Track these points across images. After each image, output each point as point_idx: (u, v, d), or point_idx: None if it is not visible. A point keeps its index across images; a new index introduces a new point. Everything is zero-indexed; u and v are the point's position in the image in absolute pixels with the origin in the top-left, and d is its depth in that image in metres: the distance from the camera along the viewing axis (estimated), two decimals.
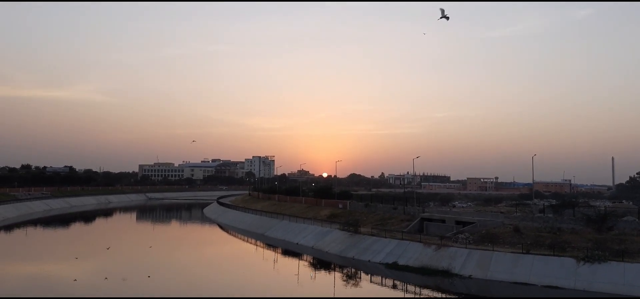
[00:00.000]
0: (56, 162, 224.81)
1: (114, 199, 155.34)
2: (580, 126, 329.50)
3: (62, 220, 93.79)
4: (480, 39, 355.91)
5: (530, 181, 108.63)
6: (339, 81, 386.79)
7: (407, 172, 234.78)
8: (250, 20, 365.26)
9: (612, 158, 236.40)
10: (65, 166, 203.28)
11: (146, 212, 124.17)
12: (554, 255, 38.31)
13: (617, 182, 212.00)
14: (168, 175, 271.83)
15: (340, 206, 76.04)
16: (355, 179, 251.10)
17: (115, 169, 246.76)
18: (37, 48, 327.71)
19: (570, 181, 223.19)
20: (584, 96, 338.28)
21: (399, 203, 69.47)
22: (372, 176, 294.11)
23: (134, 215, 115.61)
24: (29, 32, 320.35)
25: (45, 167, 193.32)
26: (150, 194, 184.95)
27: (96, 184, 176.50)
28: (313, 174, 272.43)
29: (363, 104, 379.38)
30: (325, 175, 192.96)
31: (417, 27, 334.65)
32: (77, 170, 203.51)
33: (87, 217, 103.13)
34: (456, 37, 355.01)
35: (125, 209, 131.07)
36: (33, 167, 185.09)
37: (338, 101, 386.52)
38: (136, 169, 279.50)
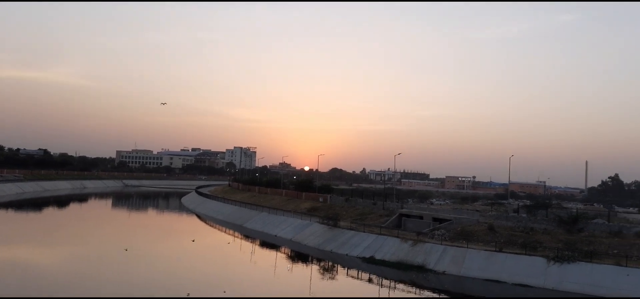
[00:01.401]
0: (30, 144, 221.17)
1: (90, 185, 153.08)
2: (557, 129, 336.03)
3: (35, 204, 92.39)
4: (464, 41, 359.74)
5: (507, 181, 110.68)
6: (324, 75, 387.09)
7: (388, 169, 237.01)
8: (235, 10, 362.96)
9: (586, 162, 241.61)
10: (40, 149, 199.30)
11: (122, 200, 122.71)
12: (525, 254, 39.40)
13: (589, 185, 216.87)
14: (146, 162, 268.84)
15: (320, 199, 76.58)
16: (336, 174, 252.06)
17: (91, 154, 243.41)
18: (16, 28, 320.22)
19: (544, 182, 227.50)
20: (560, 101, 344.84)
21: (378, 199, 70.34)
22: (353, 171, 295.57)
23: (109, 202, 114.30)
24: (8, 11, 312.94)
25: (18, 150, 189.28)
26: (127, 181, 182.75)
27: (71, 168, 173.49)
28: (295, 167, 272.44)
29: (347, 100, 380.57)
30: (306, 168, 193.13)
31: (403, 26, 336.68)
32: (51, 153, 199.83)
33: (61, 202, 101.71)
34: (441, 37, 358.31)
35: (101, 195, 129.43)
36: (6, 149, 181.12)
37: (322, 95, 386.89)
38: (113, 155, 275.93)
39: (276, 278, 39.51)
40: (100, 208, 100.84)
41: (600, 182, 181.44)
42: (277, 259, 48.40)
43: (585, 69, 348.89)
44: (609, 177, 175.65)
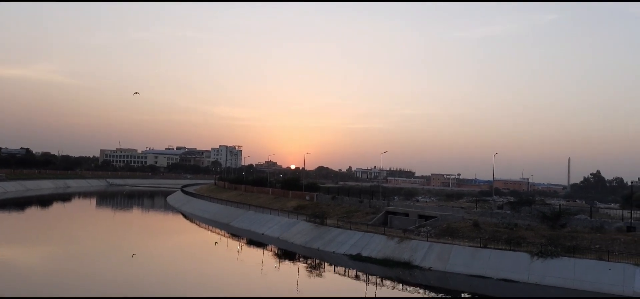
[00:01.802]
0: (12, 143, 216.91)
1: (73, 184, 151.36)
2: (540, 127, 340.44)
3: (17, 204, 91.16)
4: (449, 40, 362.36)
5: (491, 179, 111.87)
6: (309, 74, 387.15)
7: (374, 167, 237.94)
8: (220, 9, 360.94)
9: (569, 159, 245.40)
10: (22, 148, 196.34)
11: (106, 199, 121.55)
12: (509, 250, 39.97)
13: (572, 182, 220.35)
14: (130, 161, 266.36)
15: (307, 198, 76.70)
16: (323, 172, 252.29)
17: (75, 153, 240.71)
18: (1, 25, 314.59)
19: (528, 179, 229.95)
20: (543, 99, 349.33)
21: (365, 196, 70.69)
22: (339, 170, 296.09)
23: (93, 201, 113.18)
24: None
25: (0, 149, 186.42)
26: (111, 180, 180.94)
27: (54, 167, 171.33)
28: (281, 166, 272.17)
29: (333, 98, 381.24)
30: (293, 167, 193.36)
31: (387, 25, 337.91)
32: (34, 153, 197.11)
33: (44, 201, 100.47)
34: (426, 37, 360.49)
35: (85, 194, 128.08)
36: None
37: (308, 93, 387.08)
38: (97, 154, 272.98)
39: (263, 276, 39.58)
40: (84, 208, 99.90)
41: (582, 179, 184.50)
42: (264, 258, 48.46)
43: (567, 67, 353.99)
44: (590, 174, 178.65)
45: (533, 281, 36.42)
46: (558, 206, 58.71)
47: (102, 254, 44.85)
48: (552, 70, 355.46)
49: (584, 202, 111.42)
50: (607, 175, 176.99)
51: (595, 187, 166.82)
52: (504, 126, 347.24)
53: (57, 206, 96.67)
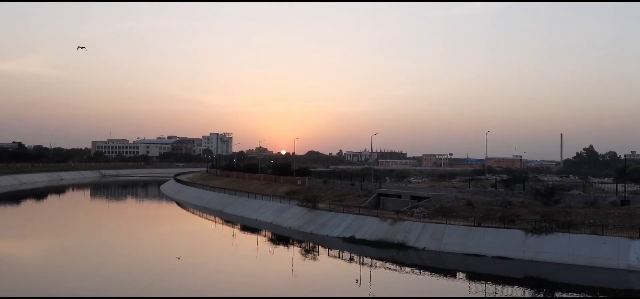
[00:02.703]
0: (4, 137, 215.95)
1: (67, 176, 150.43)
2: (531, 103, 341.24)
3: (12, 197, 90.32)
4: (437, 18, 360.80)
5: (483, 157, 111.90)
6: (297, 58, 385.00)
7: (365, 149, 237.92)
8: None
9: (561, 135, 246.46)
10: (14, 142, 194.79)
11: (101, 190, 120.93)
12: (504, 227, 39.79)
13: (565, 158, 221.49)
14: (123, 152, 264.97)
15: (298, 182, 76.32)
16: (313, 157, 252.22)
17: (67, 145, 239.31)
18: None
19: (521, 156, 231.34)
20: (535, 75, 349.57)
21: (356, 179, 70.39)
22: (330, 153, 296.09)
23: (88, 192, 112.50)
24: None
25: None
26: (104, 171, 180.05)
27: (47, 160, 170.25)
28: (271, 152, 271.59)
29: (321, 82, 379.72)
30: (283, 152, 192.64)
31: (373, 5, 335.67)
32: (26, 146, 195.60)
33: (39, 194, 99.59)
34: (414, 16, 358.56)
35: (79, 186, 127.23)
36: None
37: (297, 78, 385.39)
38: (89, 146, 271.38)
39: (259, 261, 39.25)
40: (80, 199, 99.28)
41: (575, 154, 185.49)
42: (258, 242, 48.20)
43: (557, 42, 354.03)
44: (583, 149, 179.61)
45: (528, 258, 36.29)
46: (551, 182, 58.68)
47: (108, 246, 44.37)
48: (542, 46, 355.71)
49: (577, 177, 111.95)
50: (600, 149, 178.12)
51: (589, 162, 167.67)
52: (495, 103, 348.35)
53: (53, 199, 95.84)
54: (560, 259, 35.42)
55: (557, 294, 30.41)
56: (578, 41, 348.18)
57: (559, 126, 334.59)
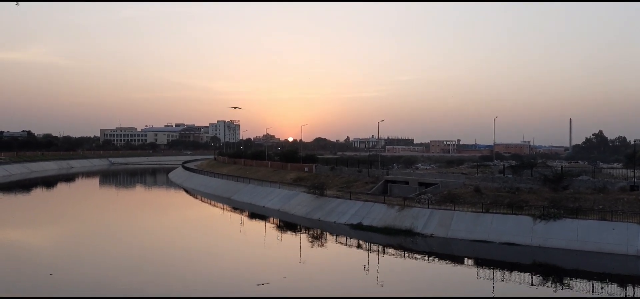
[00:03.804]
0: (13, 126, 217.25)
1: (76, 164, 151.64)
2: (540, 88, 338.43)
3: (23, 186, 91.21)
4: (445, 3, 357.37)
5: (491, 143, 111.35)
6: (304, 44, 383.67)
7: (372, 136, 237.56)
8: None
9: (570, 120, 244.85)
10: (23, 131, 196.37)
11: (110, 177, 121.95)
12: (512, 214, 39.69)
13: (574, 143, 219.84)
14: (131, 140, 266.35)
15: (306, 169, 76.36)
16: (320, 143, 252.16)
17: (75, 133, 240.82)
18: None
19: (529, 142, 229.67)
20: (543, 59, 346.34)
21: (363, 166, 70.23)
22: (337, 140, 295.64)
23: (97, 180, 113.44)
24: None
25: (2, 132, 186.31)
26: (113, 159, 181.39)
27: (56, 149, 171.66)
28: (278, 139, 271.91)
29: (328, 68, 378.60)
30: (290, 139, 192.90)
31: None
32: (35, 135, 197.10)
33: (49, 182, 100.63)
34: (422, 1, 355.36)
35: (89, 174, 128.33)
36: None
37: (303, 65, 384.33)
38: (98, 134, 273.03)
39: (267, 248, 39.43)
40: (90, 186, 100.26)
41: (584, 140, 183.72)
42: (266, 229, 48.45)
43: (568, 26, 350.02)
44: (593, 134, 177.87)
45: (536, 244, 36.20)
46: (560, 168, 58.31)
47: (118, 232, 44.78)
48: (551, 30, 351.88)
49: (586, 163, 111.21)
50: (610, 135, 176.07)
51: (598, 147, 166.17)
52: (504, 89, 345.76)
53: (63, 186, 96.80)
54: (568, 245, 35.31)
55: (566, 280, 30.31)
56: (588, 25, 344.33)
57: (568, 111, 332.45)
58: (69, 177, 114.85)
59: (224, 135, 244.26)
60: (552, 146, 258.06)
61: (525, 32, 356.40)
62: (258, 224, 52.34)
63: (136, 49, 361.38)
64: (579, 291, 28.29)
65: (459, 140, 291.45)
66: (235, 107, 66.61)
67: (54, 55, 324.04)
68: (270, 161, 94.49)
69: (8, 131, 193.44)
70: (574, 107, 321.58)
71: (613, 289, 28.45)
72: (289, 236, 46.35)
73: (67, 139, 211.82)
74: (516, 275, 31.39)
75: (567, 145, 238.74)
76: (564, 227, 36.53)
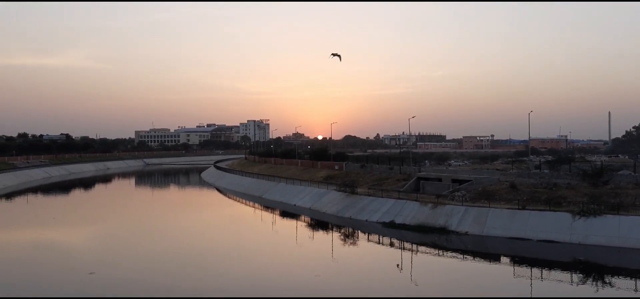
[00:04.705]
0: (52, 130, 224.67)
1: (112, 166, 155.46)
2: (577, 81, 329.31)
3: (63, 187, 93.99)
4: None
5: (527, 138, 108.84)
6: (333, 42, 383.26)
7: (403, 133, 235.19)
8: None
9: (609, 113, 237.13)
10: (62, 134, 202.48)
11: (145, 178, 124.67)
12: (549, 210, 38.62)
13: (613, 136, 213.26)
14: (164, 140, 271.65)
15: (336, 167, 76.21)
16: (350, 141, 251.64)
17: (111, 135, 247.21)
18: (25, 15, 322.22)
19: (566, 136, 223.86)
20: (579, 51, 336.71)
21: (394, 163, 69.65)
22: (367, 137, 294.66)
23: (133, 181, 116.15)
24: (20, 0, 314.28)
25: (41, 136, 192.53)
26: (147, 160, 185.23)
27: (93, 150, 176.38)
28: (308, 137, 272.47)
29: (358, 65, 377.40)
30: (320, 137, 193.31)
31: None
32: (73, 137, 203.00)
33: (87, 183, 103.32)
34: None
35: (124, 175, 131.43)
36: (30, 135, 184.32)
37: (332, 62, 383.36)
38: (132, 135, 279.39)
39: (299, 246, 39.47)
40: (126, 187, 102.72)
41: (624, 133, 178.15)
42: (298, 228, 48.55)
43: (605, 17, 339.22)
44: (633, 127, 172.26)
45: (575, 241, 35.14)
46: (599, 163, 56.60)
47: (154, 231, 45.67)
48: (587, 20, 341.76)
49: (627, 157, 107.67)
50: None
51: (639, 140, 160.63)
52: (538, 82, 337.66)
53: (100, 187, 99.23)
54: (609, 242, 34.15)
55: (608, 279, 29.28)
56: (626, 14, 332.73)
57: (606, 103, 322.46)
58: (106, 178, 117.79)
59: (254, 134, 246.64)
60: (591, 140, 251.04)
61: (561, 23, 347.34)
62: (290, 223, 52.49)
63: (168, 51, 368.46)
64: (623, 289, 27.31)
65: (492, 135, 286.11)
66: (334, 54, 65.08)
67: (89, 60, 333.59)
68: (300, 160, 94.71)
69: (47, 134, 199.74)
70: (612, 99, 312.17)
71: None
72: (320, 234, 46.27)
73: (103, 141, 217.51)
74: (555, 273, 30.50)
75: (606, 139, 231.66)
76: (604, 223, 35.35)
